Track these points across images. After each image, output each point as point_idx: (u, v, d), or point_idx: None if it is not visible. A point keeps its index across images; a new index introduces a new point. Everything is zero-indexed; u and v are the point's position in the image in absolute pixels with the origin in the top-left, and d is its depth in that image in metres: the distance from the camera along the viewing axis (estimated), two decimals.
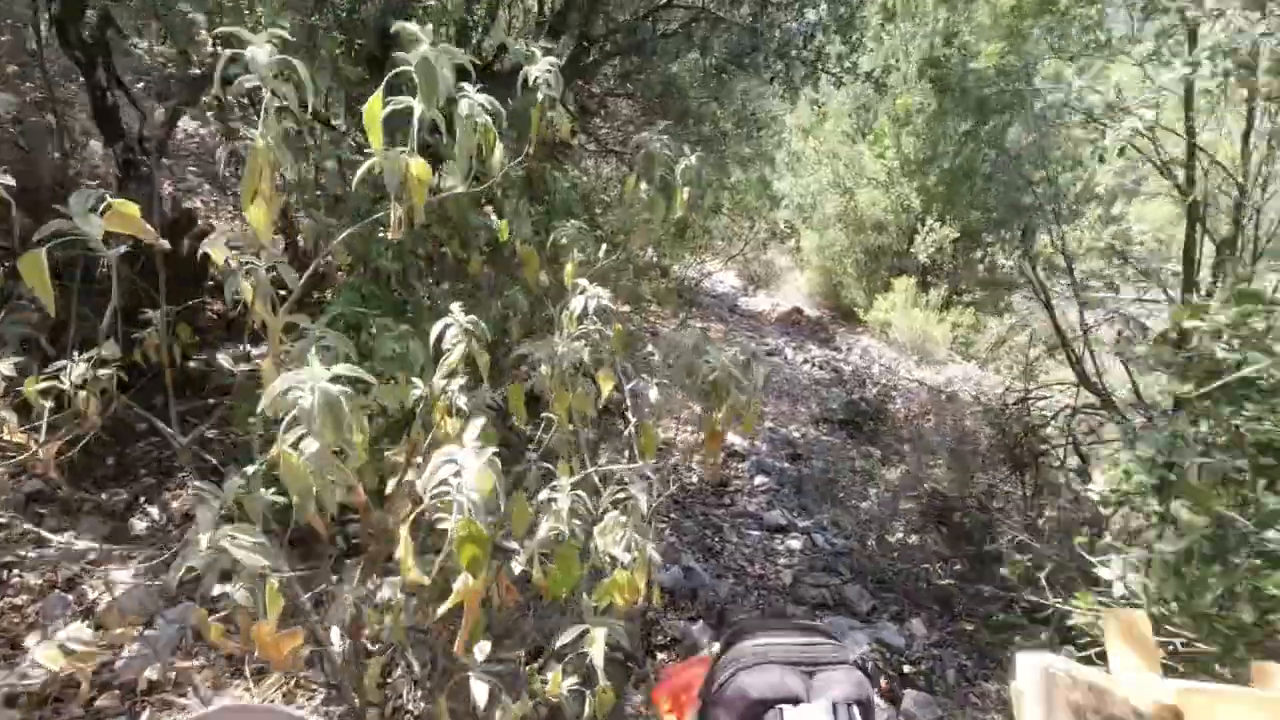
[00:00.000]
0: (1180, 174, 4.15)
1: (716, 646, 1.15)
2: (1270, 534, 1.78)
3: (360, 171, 1.38)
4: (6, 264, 3.33)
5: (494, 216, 3.33)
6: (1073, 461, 5.01)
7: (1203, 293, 3.91)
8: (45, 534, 2.61)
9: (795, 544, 5.14)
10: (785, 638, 1.02)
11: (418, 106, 1.35)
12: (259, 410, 1.13)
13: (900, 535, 5.48)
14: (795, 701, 0.91)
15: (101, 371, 1.69)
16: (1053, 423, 5.05)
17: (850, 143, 14.52)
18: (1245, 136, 3.90)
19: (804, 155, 14.57)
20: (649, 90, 7.24)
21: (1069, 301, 5.25)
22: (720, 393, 2.15)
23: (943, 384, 8.66)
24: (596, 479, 1.86)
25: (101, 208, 1.09)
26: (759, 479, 5.99)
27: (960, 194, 11.82)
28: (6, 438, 1.67)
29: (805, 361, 10.92)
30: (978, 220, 11.97)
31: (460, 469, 1.18)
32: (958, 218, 12.11)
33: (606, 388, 2.16)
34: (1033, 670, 0.83)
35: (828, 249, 14.44)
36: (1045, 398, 5.43)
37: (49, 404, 1.68)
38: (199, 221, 4.74)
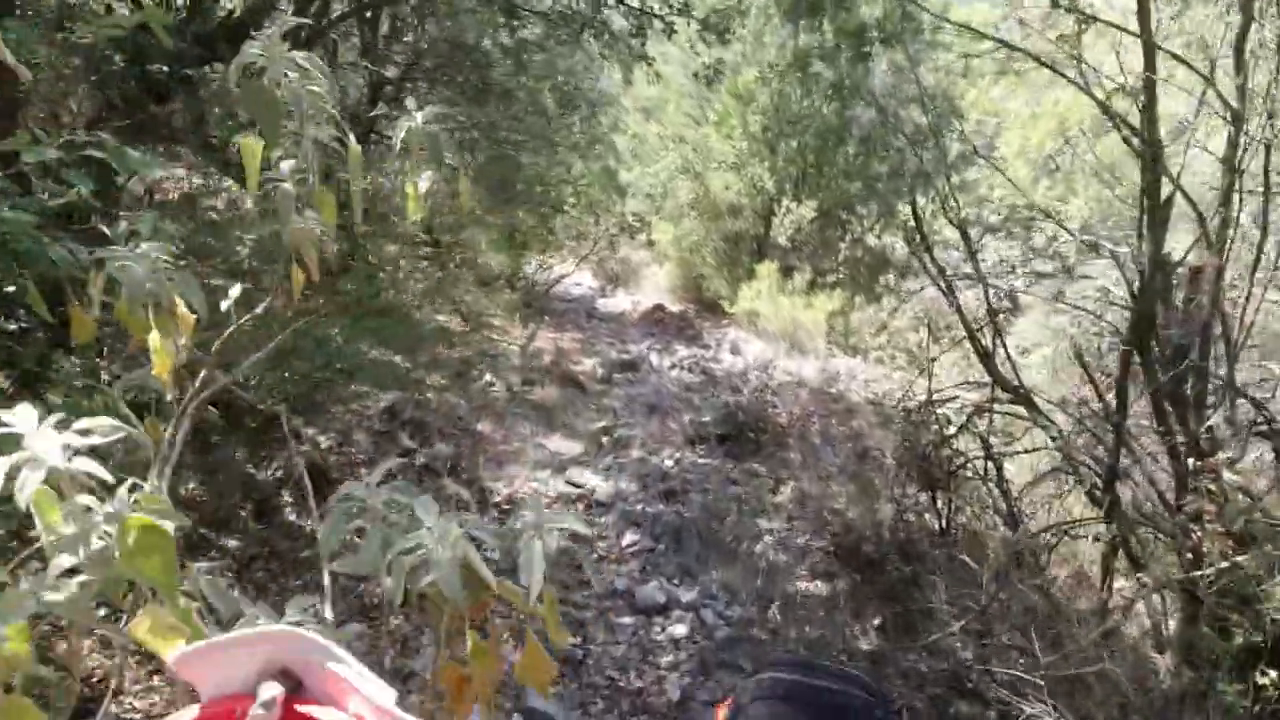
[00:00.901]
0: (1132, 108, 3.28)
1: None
2: None
3: None
4: None
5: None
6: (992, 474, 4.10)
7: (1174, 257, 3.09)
8: None
9: (680, 630, 3.92)
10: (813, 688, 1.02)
11: None
12: None
13: (806, 586, 4.39)
14: None
15: None
16: (967, 428, 4.15)
17: (695, 125, 13.64)
18: (1240, 43, 3.06)
19: (647, 139, 13.51)
20: (436, 55, 5.77)
21: (967, 282, 4.35)
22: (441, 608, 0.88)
23: (825, 381, 7.78)
24: None
25: None
26: (628, 537, 4.73)
27: (825, 163, 11.06)
28: None
29: (673, 366, 9.83)
30: (838, 194, 11.35)
31: None
32: (815, 195, 11.46)
33: None
34: None
35: (684, 239, 13.48)
36: (951, 399, 4.54)
37: None
38: None
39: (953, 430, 4.29)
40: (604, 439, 6.66)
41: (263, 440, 4.26)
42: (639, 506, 5.19)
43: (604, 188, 12.14)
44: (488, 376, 7.28)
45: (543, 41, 6.76)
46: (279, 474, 4.09)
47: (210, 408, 3.93)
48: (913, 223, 4.43)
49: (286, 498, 4.01)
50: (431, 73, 7.40)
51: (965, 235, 4.08)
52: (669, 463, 6.32)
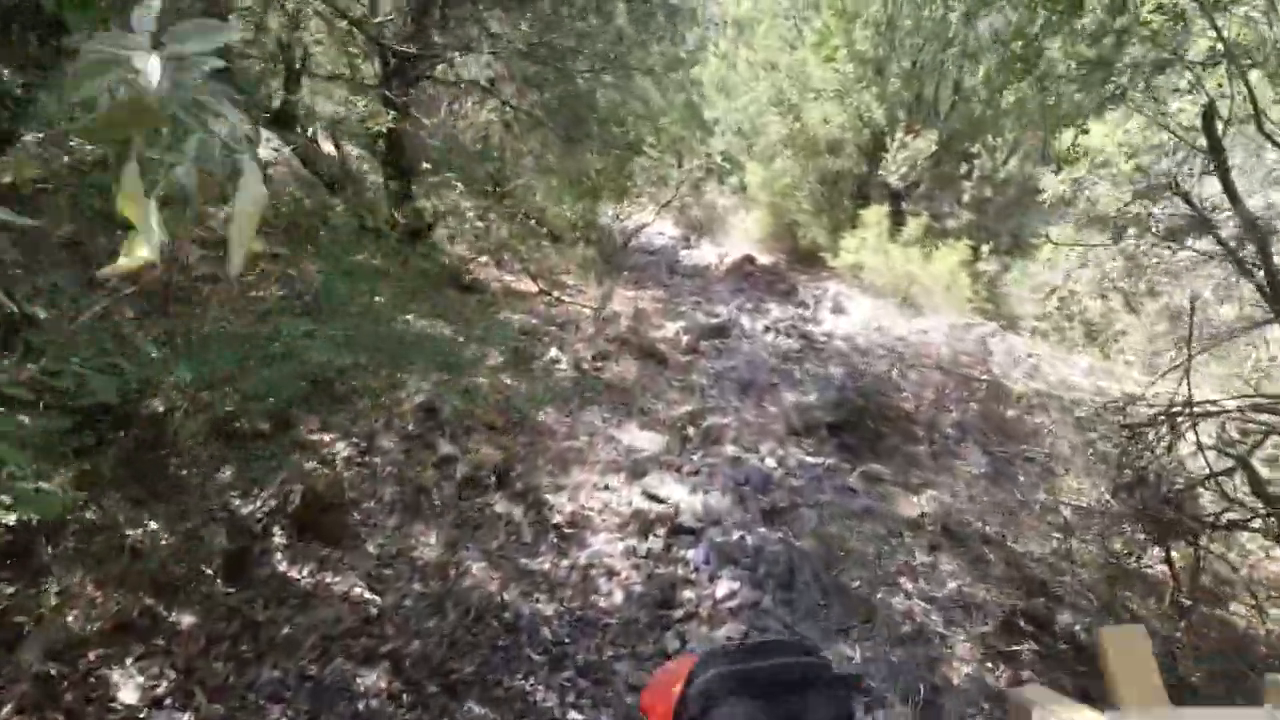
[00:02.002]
0: None
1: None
2: None
3: None
4: None
5: None
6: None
7: None
8: None
9: None
10: (756, 663, 0.92)
11: None
12: None
13: (970, 668, 3.18)
14: None
15: None
16: (1244, 462, 2.77)
17: (789, 49, 11.91)
18: None
19: (736, 65, 11.88)
20: None
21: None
22: None
23: (963, 356, 6.33)
24: None
25: None
26: (724, 585, 3.61)
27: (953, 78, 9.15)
28: None
29: (767, 329, 8.53)
30: (967, 120, 9.51)
31: None
32: (935, 123, 9.68)
33: None
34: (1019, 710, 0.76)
35: (776, 182, 11.93)
36: (1214, 413, 3.10)
37: None
38: None
39: (1220, 463, 2.91)
40: (689, 429, 5.52)
41: (259, 453, 3.34)
42: (736, 535, 4.05)
43: (687, 124, 10.70)
44: (553, 351, 6.22)
45: None
46: (272, 504, 3.16)
47: (180, 413, 3.02)
48: (1158, 129, 2.89)
49: (278, 538, 3.08)
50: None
51: None
52: (770, 462, 5.14)
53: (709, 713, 0.90)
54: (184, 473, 2.85)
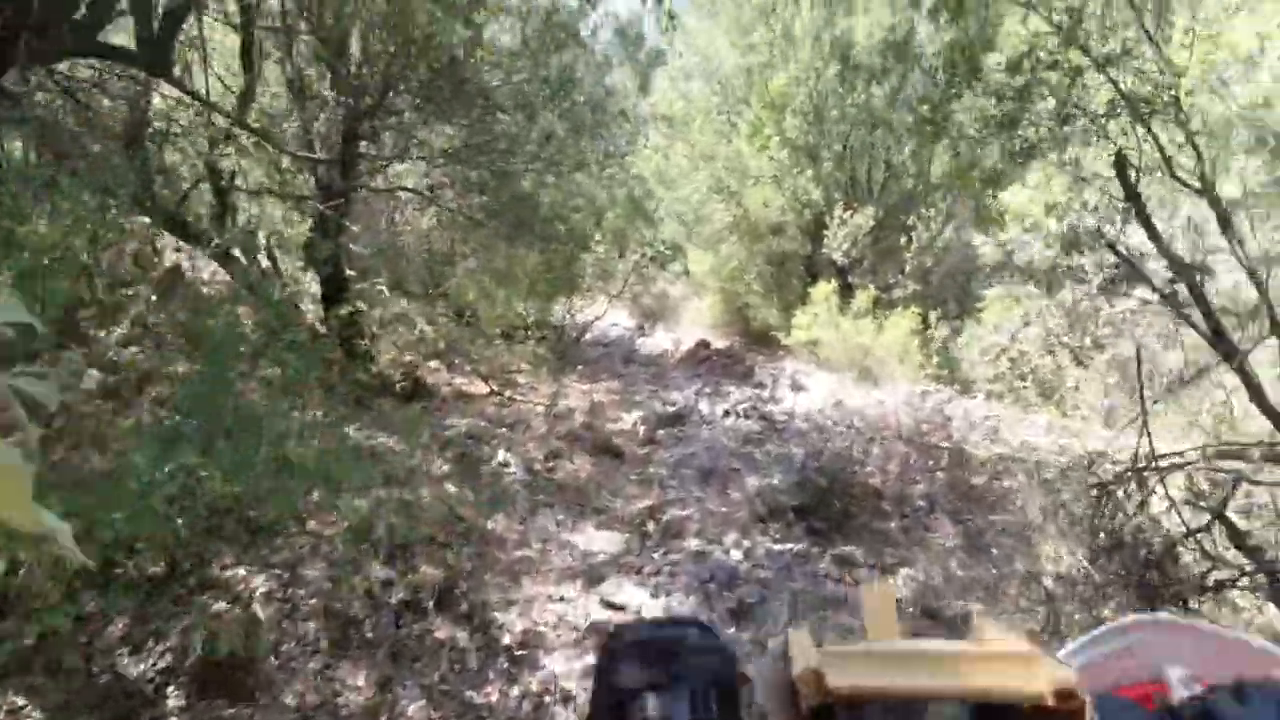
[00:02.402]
0: None
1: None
2: None
3: None
4: None
5: None
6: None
7: None
8: None
9: None
10: (656, 633, 1.01)
11: None
12: None
13: None
14: (656, 688, 0.87)
15: None
16: (1220, 515, 2.60)
17: (726, 141, 12.35)
18: None
19: (670, 156, 12.24)
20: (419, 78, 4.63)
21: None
22: None
23: (923, 423, 6.22)
24: None
25: None
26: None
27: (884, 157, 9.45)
28: None
29: (726, 413, 8.37)
30: (900, 193, 9.81)
31: None
32: (871, 199, 9.98)
33: None
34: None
35: (724, 267, 12.10)
36: (1181, 464, 2.95)
37: None
38: None
39: (1196, 518, 2.72)
40: (649, 525, 5.23)
41: (155, 601, 2.97)
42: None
43: (630, 217, 10.87)
44: (502, 453, 5.93)
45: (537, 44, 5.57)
46: (168, 659, 2.77)
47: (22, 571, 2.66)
48: (1120, 175, 2.87)
49: (173, 700, 2.68)
50: (419, 95, 6.23)
51: (1215, 199, 2.57)
52: (736, 554, 4.84)
53: (615, 669, 0.97)
54: (49, 638, 2.47)
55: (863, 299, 9.61)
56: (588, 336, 12.06)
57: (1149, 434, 2.73)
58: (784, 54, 10.38)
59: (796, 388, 9.48)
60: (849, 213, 9.98)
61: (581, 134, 7.91)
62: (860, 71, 9.94)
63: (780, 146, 10.85)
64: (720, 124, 12.68)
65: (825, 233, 10.69)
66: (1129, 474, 2.91)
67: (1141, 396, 2.88)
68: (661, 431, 7.51)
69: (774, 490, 5.88)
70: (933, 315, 9.39)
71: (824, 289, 10.01)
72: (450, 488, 5.10)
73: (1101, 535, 2.88)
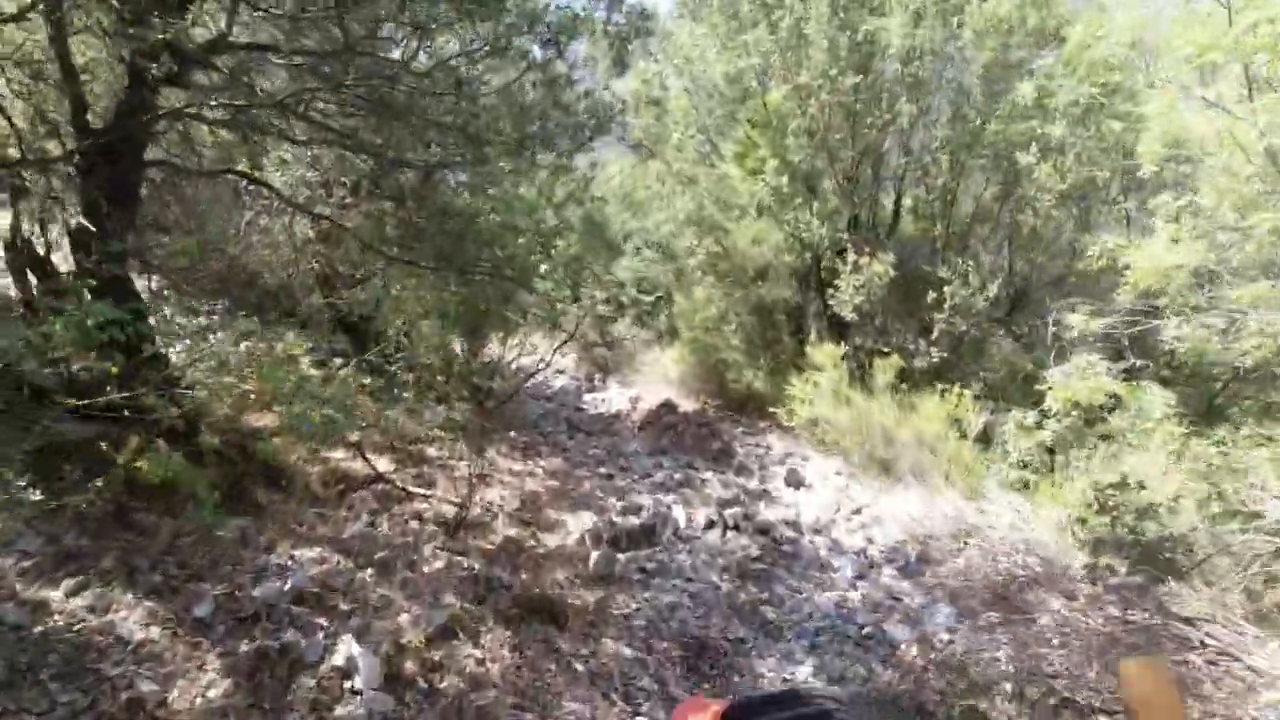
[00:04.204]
0: None
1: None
2: None
3: None
4: None
5: None
6: None
7: None
8: None
9: None
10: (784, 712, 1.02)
11: None
12: None
13: None
14: None
15: None
16: None
17: (708, 164, 10.20)
18: None
19: (644, 179, 9.99)
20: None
21: None
22: None
23: (1024, 575, 3.93)
24: None
25: None
26: None
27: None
28: None
29: (711, 524, 5.98)
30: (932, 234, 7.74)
31: None
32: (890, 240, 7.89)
33: None
34: None
35: (697, 314, 9.82)
36: None
37: None
38: None
39: None
40: None
41: None
42: None
43: (589, 245, 8.54)
44: (346, 648, 3.36)
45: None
46: None
47: None
48: None
49: None
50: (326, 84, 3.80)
51: None
52: None
53: None
54: None
55: (884, 369, 7.43)
56: (527, 387, 9.58)
57: None
58: (790, 59, 8.31)
59: (795, 480, 7.20)
60: (866, 258, 7.86)
61: (532, 130, 5.55)
62: (886, 83, 7.96)
63: (779, 172, 8.72)
64: (700, 144, 10.55)
65: (827, 279, 8.56)
66: None
67: None
68: (623, 558, 5.08)
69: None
70: (967, 394, 7.27)
71: (831, 352, 7.81)
72: None
73: None
